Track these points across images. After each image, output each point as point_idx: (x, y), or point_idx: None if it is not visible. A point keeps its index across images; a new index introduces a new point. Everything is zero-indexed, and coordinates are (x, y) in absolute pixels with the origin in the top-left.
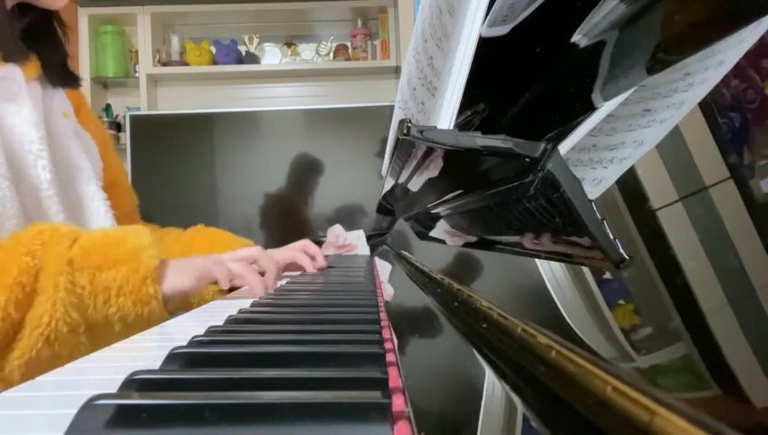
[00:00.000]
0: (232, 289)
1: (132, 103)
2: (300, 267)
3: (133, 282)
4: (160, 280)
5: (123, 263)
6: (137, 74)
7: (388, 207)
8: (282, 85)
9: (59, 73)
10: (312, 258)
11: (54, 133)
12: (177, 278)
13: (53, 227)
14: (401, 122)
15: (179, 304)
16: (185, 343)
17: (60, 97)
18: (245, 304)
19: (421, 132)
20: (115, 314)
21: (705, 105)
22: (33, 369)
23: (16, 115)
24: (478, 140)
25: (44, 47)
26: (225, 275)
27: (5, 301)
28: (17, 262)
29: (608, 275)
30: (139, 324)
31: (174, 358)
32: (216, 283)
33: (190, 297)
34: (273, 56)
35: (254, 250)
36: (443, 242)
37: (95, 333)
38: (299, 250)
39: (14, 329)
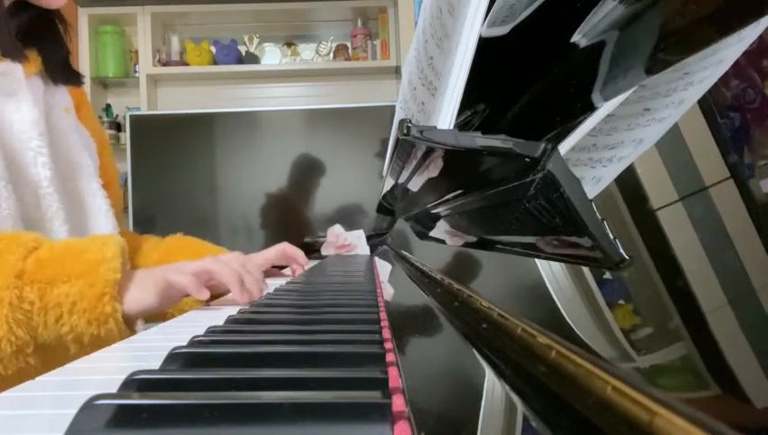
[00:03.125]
0: (216, 296)
1: (132, 103)
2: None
3: (88, 299)
4: (122, 296)
5: (79, 276)
6: (137, 74)
7: (388, 207)
8: (282, 85)
9: (61, 71)
10: (294, 259)
11: (55, 130)
12: (139, 295)
13: (14, 235)
14: (401, 122)
15: (155, 316)
16: (185, 343)
17: (62, 93)
18: (245, 305)
19: (421, 132)
20: (68, 333)
21: (705, 105)
22: None
23: (15, 111)
24: (478, 140)
25: (45, 45)
26: (192, 283)
27: None
28: None
29: (608, 275)
30: (98, 346)
31: (174, 358)
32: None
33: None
34: (273, 56)
35: (229, 255)
36: (443, 242)
37: (47, 354)
38: (280, 251)
39: None
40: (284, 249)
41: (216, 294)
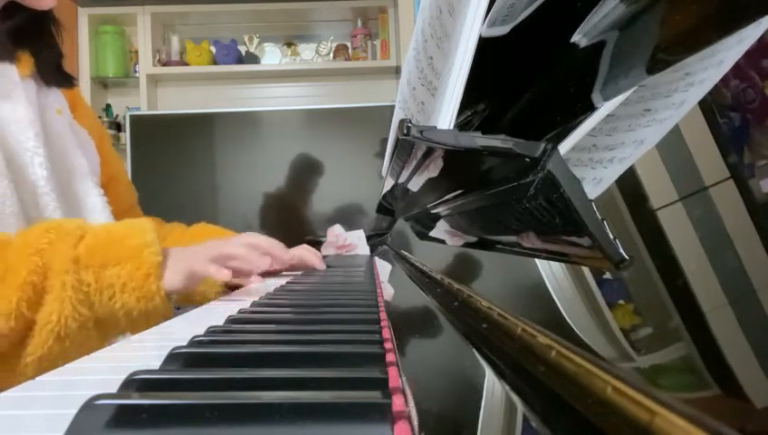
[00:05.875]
0: (236, 287)
1: (132, 103)
2: (302, 268)
3: (136, 279)
4: (162, 276)
5: (127, 260)
6: (137, 74)
7: (388, 207)
8: (282, 85)
9: (53, 73)
10: (312, 268)
11: (50, 131)
12: (170, 277)
13: (59, 225)
14: (401, 122)
15: (182, 299)
16: (185, 343)
17: (55, 94)
18: (245, 304)
19: (421, 132)
20: (120, 309)
21: (705, 105)
22: (46, 364)
23: (12, 112)
24: (478, 140)
25: (38, 47)
26: (212, 269)
27: (17, 300)
28: (26, 262)
29: (608, 275)
30: (145, 318)
31: (174, 358)
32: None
33: (191, 295)
34: (273, 56)
35: (260, 239)
36: (443, 242)
37: (102, 326)
38: (297, 258)
39: (27, 326)
40: (302, 256)
41: (236, 285)
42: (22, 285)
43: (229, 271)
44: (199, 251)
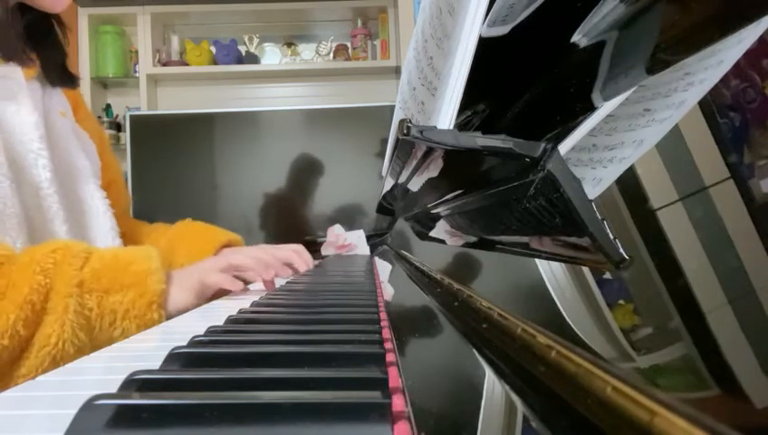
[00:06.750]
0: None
1: (132, 103)
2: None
3: (139, 306)
4: (165, 302)
5: (130, 287)
6: (137, 74)
7: (388, 207)
8: (282, 85)
9: (58, 74)
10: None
11: (53, 132)
12: (179, 297)
13: (67, 246)
14: (401, 122)
15: None
16: (185, 343)
17: (58, 96)
18: (245, 303)
19: (421, 132)
20: (119, 336)
21: (705, 105)
22: None
23: (16, 114)
24: (478, 140)
25: (44, 47)
26: (224, 280)
27: (15, 319)
28: (29, 280)
29: (608, 275)
30: None
31: (174, 358)
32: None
33: None
34: (273, 56)
35: (260, 251)
36: (443, 242)
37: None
38: (294, 251)
39: (22, 346)
40: (290, 259)
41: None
42: (22, 304)
43: (241, 282)
44: (207, 264)
